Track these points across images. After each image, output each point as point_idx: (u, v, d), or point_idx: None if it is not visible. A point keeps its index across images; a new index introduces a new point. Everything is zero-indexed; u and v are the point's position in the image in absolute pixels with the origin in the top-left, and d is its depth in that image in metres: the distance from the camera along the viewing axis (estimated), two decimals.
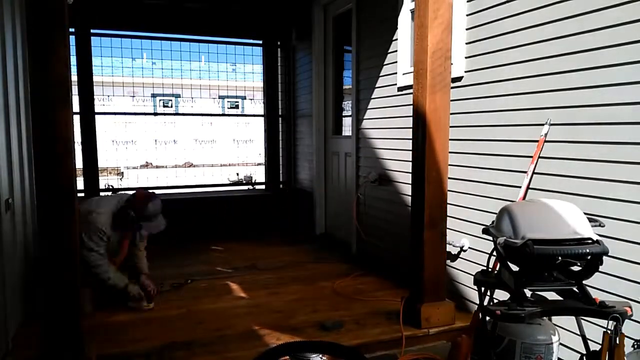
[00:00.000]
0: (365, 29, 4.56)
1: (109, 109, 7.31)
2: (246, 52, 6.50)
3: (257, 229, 5.82)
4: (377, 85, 4.35)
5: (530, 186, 2.72)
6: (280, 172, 6.67)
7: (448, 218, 3.03)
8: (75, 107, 5.09)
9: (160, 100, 12.60)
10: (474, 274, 2.34)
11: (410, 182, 3.09)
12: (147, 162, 11.67)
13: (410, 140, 3.02)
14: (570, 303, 2.01)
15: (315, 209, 5.72)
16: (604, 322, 1.90)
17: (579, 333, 2.18)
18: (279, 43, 6.47)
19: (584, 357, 2.15)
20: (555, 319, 2.47)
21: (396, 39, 4.03)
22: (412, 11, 3.75)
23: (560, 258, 1.88)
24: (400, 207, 3.98)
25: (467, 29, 3.20)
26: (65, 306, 2.44)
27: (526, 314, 1.96)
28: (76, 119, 5.18)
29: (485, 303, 2.23)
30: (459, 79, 3.24)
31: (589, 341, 2.15)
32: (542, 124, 2.66)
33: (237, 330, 3.03)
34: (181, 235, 5.11)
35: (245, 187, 7.36)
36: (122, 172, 10.04)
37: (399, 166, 4.04)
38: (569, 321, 2.36)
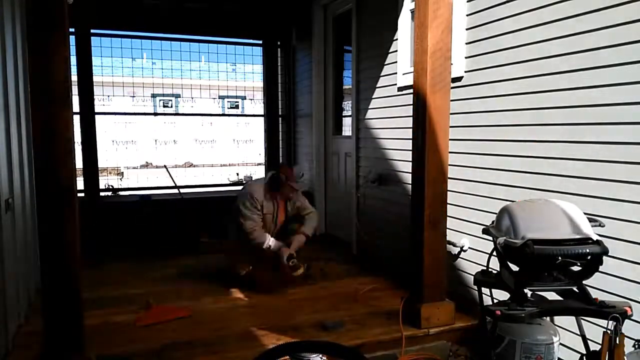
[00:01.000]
0: (365, 29, 4.56)
1: (109, 109, 7.30)
2: (246, 52, 6.50)
3: None
4: (377, 85, 4.35)
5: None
6: None
7: (448, 218, 3.03)
8: (75, 107, 5.07)
9: (160, 100, 12.60)
10: (474, 274, 2.34)
11: (410, 182, 3.09)
12: (147, 162, 11.67)
13: (411, 140, 3.01)
14: (570, 303, 2.01)
15: (315, 208, 5.71)
16: (604, 322, 1.90)
17: (579, 333, 2.18)
18: (279, 43, 6.47)
19: (584, 357, 2.15)
20: (555, 319, 2.47)
21: (396, 39, 4.03)
22: (412, 11, 3.75)
23: (560, 258, 1.88)
24: (401, 207, 3.98)
25: (467, 29, 3.20)
26: (66, 306, 2.44)
27: (526, 314, 1.96)
28: (76, 119, 5.17)
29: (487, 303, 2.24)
30: (459, 79, 3.24)
31: (589, 341, 2.15)
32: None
33: (237, 330, 3.03)
34: (181, 235, 5.11)
35: None
36: (122, 172, 10.04)
37: (399, 166, 4.04)
38: (569, 321, 2.37)
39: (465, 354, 2.98)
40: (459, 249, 3.32)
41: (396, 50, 4.02)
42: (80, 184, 4.73)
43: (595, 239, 1.88)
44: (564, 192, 2.50)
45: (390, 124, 4.18)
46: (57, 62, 2.33)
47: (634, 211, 2.20)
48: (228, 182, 8.36)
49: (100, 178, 5.86)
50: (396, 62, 4.02)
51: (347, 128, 5.24)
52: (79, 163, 4.28)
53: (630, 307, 1.89)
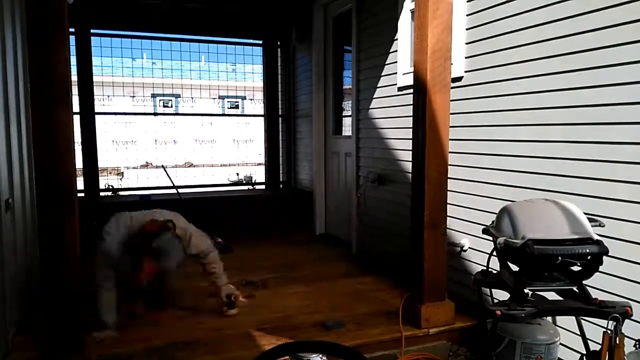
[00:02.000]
0: (365, 29, 4.56)
1: (109, 109, 7.32)
2: (246, 52, 6.51)
3: (257, 228, 5.81)
4: (377, 85, 4.35)
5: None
6: (280, 172, 6.67)
7: (448, 218, 3.03)
8: (75, 107, 5.09)
9: (160, 100, 12.61)
10: (474, 274, 2.34)
11: (410, 182, 3.09)
12: (147, 162, 11.67)
13: (411, 140, 3.01)
14: (570, 303, 2.01)
15: (315, 209, 5.72)
16: (604, 322, 1.90)
17: (579, 333, 2.18)
18: (279, 43, 6.48)
19: (584, 357, 2.15)
20: (556, 319, 2.47)
21: (396, 39, 4.03)
22: (412, 11, 3.75)
23: (560, 258, 1.88)
24: (401, 207, 3.98)
25: (467, 29, 3.20)
26: (66, 306, 2.44)
27: (526, 314, 1.96)
28: (76, 119, 5.18)
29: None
30: (459, 79, 3.24)
31: (589, 341, 2.15)
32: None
33: (237, 330, 3.03)
34: None
35: (245, 187, 7.36)
36: (122, 172, 10.03)
37: (399, 166, 4.04)
38: (569, 321, 2.37)
39: (465, 354, 2.98)
40: (459, 249, 3.32)
41: (396, 50, 4.02)
42: (80, 184, 4.74)
43: (595, 239, 1.88)
44: (564, 192, 2.50)
45: (390, 124, 4.18)
46: (57, 62, 2.33)
47: (634, 211, 2.20)
48: (228, 182, 8.36)
49: (100, 178, 5.86)
50: (396, 62, 4.02)
51: (347, 128, 5.24)
52: (79, 163, 4.29)
53: (630, 307, 1.89)
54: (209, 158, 12.02)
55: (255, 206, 6.06)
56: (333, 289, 3.82)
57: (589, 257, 1.90)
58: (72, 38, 5.25)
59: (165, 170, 5.82)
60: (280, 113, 6.56)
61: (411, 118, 2.99)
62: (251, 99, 12.85)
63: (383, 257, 4.35)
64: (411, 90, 3.02)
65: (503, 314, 1.94)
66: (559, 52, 2.54)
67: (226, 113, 12.83)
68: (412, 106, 2.98)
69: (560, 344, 2.31)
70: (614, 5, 2.24)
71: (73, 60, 5.15)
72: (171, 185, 5.68)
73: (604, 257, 1.89)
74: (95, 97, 5.57)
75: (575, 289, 2.00)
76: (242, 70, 7.30)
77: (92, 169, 5.59)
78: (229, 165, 12.15)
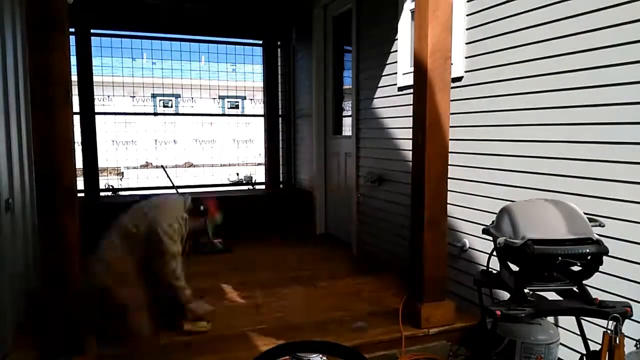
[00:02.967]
0: (365, 29, 4.56)
1: (109, 109, 7.31)
2: (246, 52, 6.51)
3: (257, 229, 5.81)
4: (377, 85, 4.35)
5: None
6: (280, 172, 6.67)
7: (448, 218, 3.03)
8: (75, 107, 5.07)
9: (160, 100, 12.61)
10: (474, 274, 2.34)
11: (410, 182, 3.09)
12: (147, 162, 11.66)
13: (411, 140, 3.02)
14: (570, 303, 2.02)
15: (315, 209, 5.72)
16: (604, 322, 1.90)
17: (579, 333, 2.18)
18: (279, 43, 6.48)
19: (584, 357, 2.15)
20: (556, 319, 2.47)
21: (396, 39, 4.03)
22: (412, 11, 3.75)
23: (560, 258, 1.88)
24: (401, 207, 3.98)
25: (467, 29, 3.20)
26: (65, 306, 2.44)
27: (526, 314, 1.96)
28: (76, 119, 5.18)
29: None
30: (459, 79, 3.24)
31: (589, 341, 2.15)
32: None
33: (237, 330, 3.02)
34: None
35: (246, 187, 7.36)
36: (122, 172, 10.03)
37: (399, 166, 4.04)
38: (569, 321, 2.37)
39: (465, 354, 2.98)
40: (459, 248, 3.32)
41: (396, 50, 4.02)
42: (80, 184, 4.74)
43: (595, 239, 1.88)
44: (564, 192, 2.50)
45: (390, 123, 4.18)
46: (57, 62, 2.33)
47: (634, 211, 2.20)
48: (228, 182, 8.36)
49: (100, 178, 5.86)
50: (396, 62, 4.02)
51: (347, 128, 5.24)
52: (79, 163, 4.29)
53: (630, 307, 1.89)
54: (209, 158, 12.01)
55: (255, 206, 6.06)
56: (333, 289, 3.82)
57: (588, 257, 1.91)
58: (72, 38, 5.25)
59: (165, 170, 5.83)
60: (280, 113, 6.56)
61: (411, 118, 2.99)
62: (251, 99, 12.84)
63: (383, 257, 4.35)
64: (411, 90, 3.02)
65: (503, 314, 1.94)
66: (558, 52, 2.54)
67: (226, 113, 12.83)
68: (412, 106, 2.99)
69: (560, 344, 2.31)
70: (614, 5, 2.24)
71: (73, 60, 5.15)
72: (171, 185, 5.68)
73: (604, 257, 1.89)
74: (95, 97, 5.57)
75: (575, 289, 2.00)
76: (242, 71, 7.29)
77: (92, 169, 5.59)
78: (229, 165, 12.15)
